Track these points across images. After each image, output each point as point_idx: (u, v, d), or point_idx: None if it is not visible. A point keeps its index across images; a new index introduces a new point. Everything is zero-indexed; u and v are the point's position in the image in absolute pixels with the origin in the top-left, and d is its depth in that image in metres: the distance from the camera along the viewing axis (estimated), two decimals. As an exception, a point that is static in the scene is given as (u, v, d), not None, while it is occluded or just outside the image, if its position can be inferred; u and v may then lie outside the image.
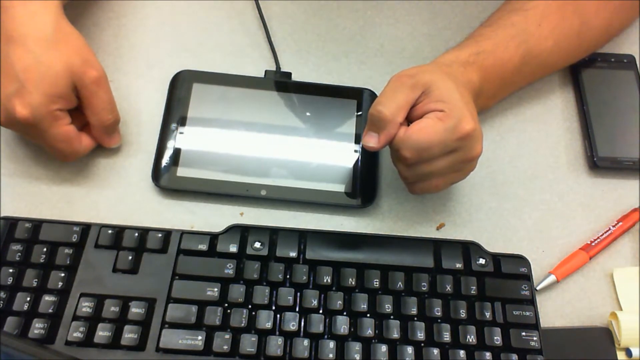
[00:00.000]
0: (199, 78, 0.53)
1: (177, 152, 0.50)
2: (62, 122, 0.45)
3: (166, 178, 0.49)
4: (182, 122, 0.51)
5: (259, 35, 0.57)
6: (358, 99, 0.53)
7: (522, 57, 0.49)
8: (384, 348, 0.42)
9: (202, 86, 0.52)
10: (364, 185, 0.49)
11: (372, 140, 0.43)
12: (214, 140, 0.51)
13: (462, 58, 0.47)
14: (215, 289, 0.43)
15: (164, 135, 0.50)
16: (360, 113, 0.52)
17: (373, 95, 0.53)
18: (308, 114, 0.52)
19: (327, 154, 0.51)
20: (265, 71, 0.54)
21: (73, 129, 0.46)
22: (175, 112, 0.51)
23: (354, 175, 0.50)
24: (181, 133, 0.50)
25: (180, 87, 0.52)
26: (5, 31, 0.43)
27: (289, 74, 0.54)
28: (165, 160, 0.49)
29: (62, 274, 0.44)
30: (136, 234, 0.45)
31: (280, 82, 0.53)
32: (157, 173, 0.49)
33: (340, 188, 0.49)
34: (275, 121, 0.51)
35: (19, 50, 0.43)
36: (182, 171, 0.49)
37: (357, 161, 0.50)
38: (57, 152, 0.46)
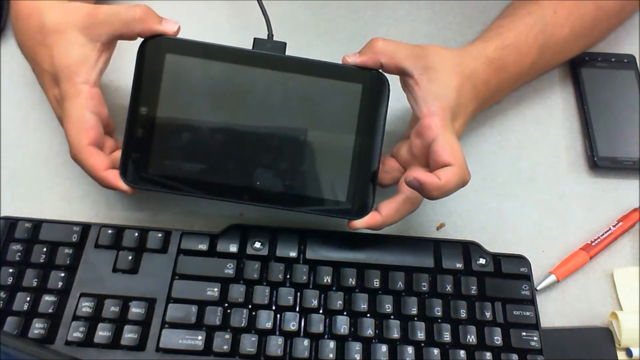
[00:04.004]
0: (173, 48, 0.43)
1: (147, 143, 0.43)
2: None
3: (135, 176, 0.43)
4: (153, 105, 0.43)
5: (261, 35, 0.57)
6: (364, 82, 0.43)
7: (540, 48, 0.48)
8: (384, 348, 0.42)
9: (176, 59, 0.43)
10: (358, 193, 0.43)
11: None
12: (189, 132, 0.43)
13: (488, 53, 0.46)
14: (216, 289, 0.43)
15: (133, 121, 0.43)
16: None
17: (381, 78, 0.43)
18: (302, 102, 0.43)
19: (320, 153, 0.44)
20: (255, 39, 0.44)
21: None
22: (145, 93, 0.43)
23: (350, 182, 0.43)
24: (152, 119, 0.43)
25: (150, 61, 0.43)
26: (53, 71, 0.43)
27: (282, 45, 0.45)
28: (134, 153, 0.43)
29: (62, 274, 0.44)
30: (136, 234, 0.45)
31: (271, 57, 0.43)
32: (125, 168, 0.43)
33: (331, 196, 0.43)
34: (262, 110, 0.43)
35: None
36: (153, 168, 0.43)
37: (352, 165, 0.43)
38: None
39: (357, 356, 0.42)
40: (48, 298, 0.43)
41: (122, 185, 0.42)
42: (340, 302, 0.43)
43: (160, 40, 0.43)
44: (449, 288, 0.44)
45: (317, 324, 0.43)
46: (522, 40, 0.48)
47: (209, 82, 0.43)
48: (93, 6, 0.43)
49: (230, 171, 0.43)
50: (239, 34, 0.57)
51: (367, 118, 0.43)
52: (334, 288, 0.44)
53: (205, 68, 0.43)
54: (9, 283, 0.43)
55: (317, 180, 0.44)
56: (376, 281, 0.44)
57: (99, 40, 0.42)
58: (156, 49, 0.43)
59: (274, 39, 0.46)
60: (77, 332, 0.42)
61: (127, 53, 0.56)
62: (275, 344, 0.42)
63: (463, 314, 0.43)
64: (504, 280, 0.45)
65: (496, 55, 0.46)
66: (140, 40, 0.43)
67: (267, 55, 0.44)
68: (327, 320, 0.43)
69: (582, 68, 0.56)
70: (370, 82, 0.43)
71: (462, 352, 0.42)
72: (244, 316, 0.43)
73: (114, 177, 0.42)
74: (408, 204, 0.43)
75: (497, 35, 0.48)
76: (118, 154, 0.43)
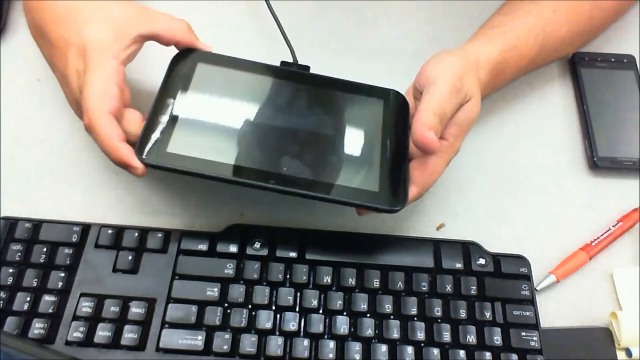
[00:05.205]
0: (205, 59, 0.45)
1: (170, 126, 0.42)
2: None
3: (153, 153, 0.40)
4: (181, 98, 0.43)
5: (269, 34, 0.57)
6: (385, 99, 0.46)
7: (539, 48, 0.49)
8: (384, 348, 0.42)
9: (207, 67, 0.45)
10: (394, 184, 0.42)
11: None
12: (217, 121, 0.43)
13: (494, 57, 0.46)
14: (215, 289, 0.43)
15: (158, 108, 0.42)
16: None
17: (399, 98, 0.46)
18: (328, 108, 0.46)
19: (351, 150, 0.43)
20: (281, 62, 0.48)
21: None
22: (173, 89, 0.44)
23: (382, 173, 0.42)
24: (178, 108, 0.43)
25: (182, 66, 0.45)
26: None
27: (306, 67, 0.48)
28: (154, 133, 0.41)
29: (62, 274, 0.44)
30: (136, 234, 0.45)
31: (298, 73, 0.47)
32: (142, 146, 0.40)
33: (367, 186, 0.41)
34: (289, 111, 0.44)
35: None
36: (173, 147, 0.41)
37: (384, 157, 0.43)
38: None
39: (357, 356, 0.42)
40: (48, 298, 0.43)
41: (135, 161, 0.40)
42: (340, 302, 0.43)
43: (196, 51, 0.46)
44: (448, 288, 0.44)
45: (317, 324, 0.43)
46: (523, 41, 0.48)
47: (241, 89, 0.45)
48: (141, 5, 0.44)
49: (257, 157, 0.42)
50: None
51: (392, 125, 0.45)
52: (333, 288, 0.44)
53: (237, 78, 0.45)
54: (9, 283, 0.43)
55: (348, 171, 0.42)
56: (376, 281, 0.44)
57: (137, 31, 0.42)
58: (191, 58, 0.45)
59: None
60: (77, 332, 0.42)
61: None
62: (275, 344, 0.42)
63: (463, 314, 0.43)
64: (503, 280, 0.45)
65: (500, 58, 0.46)
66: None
67: (295, 71, 0.47)
68: (327, 320, 0.43)
69: (581, 68, 0.56)
70: (389, 98, 0.46)
71: (462, 352, 0.42)
72: (244, 316, 0.43)
73: (128, 151, 0.40)
74: (441, 161, 0.42)
75: (500, 35, 0.48)
76: (130, 128, 0.42)
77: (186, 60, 0.45)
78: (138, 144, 0.41)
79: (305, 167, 0.42)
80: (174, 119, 0.42)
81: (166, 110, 0.42)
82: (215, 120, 0.43)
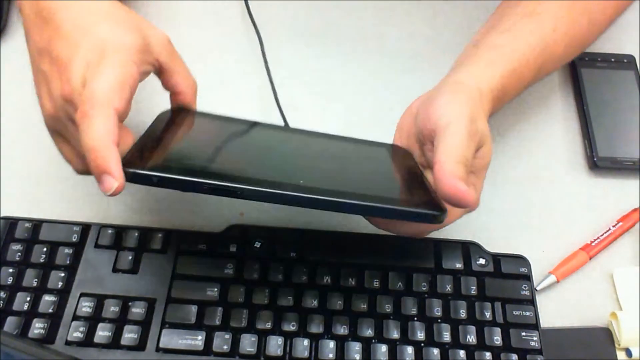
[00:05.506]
0: (197, 113, 0.43)
1: (160, 148, 0.38)
2: None
3: (151, 161, 0.35)
4: (173, 137, 0.40)
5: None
6: (386, 148, 0.45)
7: (538, 69, 0.47)
8: (384, 348, 0.42)
9: (201, 119, 0.43)
10: (428, 197, 0.37)
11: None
12: (223, 140, 0.42)
13: (495, 85, 0.43)
14: (215, 289, 0.43)
15: (147, 137, 0.39)
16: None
17: (405, 154, 0.44)
18: (333, 152, 0.44)
19: (377, 176, 0.41)
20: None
21: None
22: (163, 128, 0.40)
23: (410, 191, 0.39)
24: (178, 129, 0.40)
25: (173, 117, 0.42)
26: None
27: None
28: (151, 143, 0.37)
29: (62, 274, 0.44)
30: (136, 234, 0.45)
31: (294, 129, 0.47)
32: (137, 155, 0.35)
33: (404, 196, 0.38)
34: (290, 142, 0.44)
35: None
36: (173, 161, 0.37)
37: (406, 184, 0.41)
38: None
39: (357, 356, 0.42)
40: (48, 298, 0.43)
41: (119, 170, 0.33)
42: (340, 302, 0.43)
43: (188, 110, 0.43)
44: (448, 288, 0.44)
45: (317, 324, 0.43)
46: (524, 63, 0.45)
47: (240, 138, 0.44)
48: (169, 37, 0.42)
49: (276, 166, 0.39)
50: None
51: (402, 165, 0.43)
52: (333, 288, 0.44)
53: (235, 129, 0.44)
54: (9, 283, 0.43)
55: (375, 186, 0.39)
56: (376, 281, 0.44)
57: (159, 54, 0.40)
58: (183, 113, 0.42)
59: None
60: (77, 332, 0.42)
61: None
62: (275, 344, 0.42)
63: (463, 314, 0.44)
64: (503, 280, 0.45)
65: (500, 85, 0.43)
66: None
67: (289, 128, 0.47)
68: (327, 321, 0.43)
69: (581, 68, 0.56)
70: (390, 153, 0.44)
71: (462, 352, 0.42)
72: (244, 316, 0.43)
73: (116, 157, 0.33)
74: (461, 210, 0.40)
75: (501, 57, 0.45)
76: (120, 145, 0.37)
77: (178, 113, 0.42)
78: (128, 155, 0.35)
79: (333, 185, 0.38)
80: (174, 132, 0.40)
81: (155, 139, 0.39)
82: (214, 151, 0.40)
